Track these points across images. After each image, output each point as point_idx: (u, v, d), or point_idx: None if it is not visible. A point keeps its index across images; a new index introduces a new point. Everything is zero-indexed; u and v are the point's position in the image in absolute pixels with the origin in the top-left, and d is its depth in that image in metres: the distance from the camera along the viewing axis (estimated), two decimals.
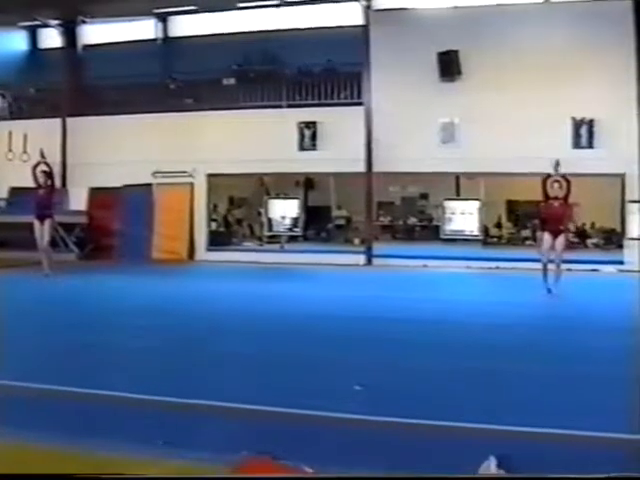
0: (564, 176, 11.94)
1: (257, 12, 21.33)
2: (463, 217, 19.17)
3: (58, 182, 18.84)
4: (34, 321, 9.02)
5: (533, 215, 20.42)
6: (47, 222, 14.18)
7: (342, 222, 23.17)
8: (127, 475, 3.76)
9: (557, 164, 11.94)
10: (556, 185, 11.84)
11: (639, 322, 7.80)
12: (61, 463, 4.06)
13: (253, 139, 17.93)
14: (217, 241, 19.61)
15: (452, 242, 19.56)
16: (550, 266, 11.65)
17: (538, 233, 12.17)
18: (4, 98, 20.83)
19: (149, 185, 18.83)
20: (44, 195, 14.36)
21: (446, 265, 16.65)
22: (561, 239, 11.70)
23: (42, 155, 14.81)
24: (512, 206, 23.28)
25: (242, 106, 18.57)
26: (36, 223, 14.13)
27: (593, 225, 21.50)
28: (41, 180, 14.39)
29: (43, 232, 14.11)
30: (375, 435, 4.67)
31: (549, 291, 11.38)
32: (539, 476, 3.93)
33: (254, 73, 20.08)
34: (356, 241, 20.39)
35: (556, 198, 11.85)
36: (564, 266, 14.77)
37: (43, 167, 14.60)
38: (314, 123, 18.05)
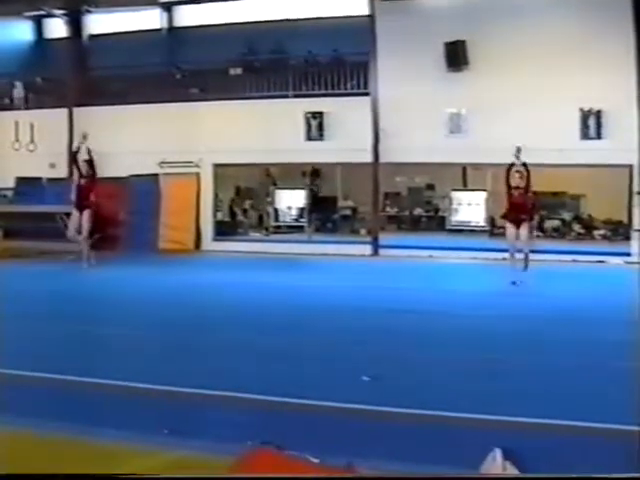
0: (524, 165, 11.91)
1: (263, 1, 21.28)
2: (469, 208, 19.13)
3: (65, 172, 18.97)
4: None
5: (540, 206, 20.36)
6: (86, 212, 13.97)
7: (348, 212, 23.13)
8: (143, 474, 3.77)
9: (518, 151, 11.90)
10: (517, 175, 11.87)
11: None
12: (66, 451, 4.07)
13: (259, 129, 17.89)
14: (223, 231, 19.62)
15: (458, 233, 19.53)
16: (518, 255, 11.73)
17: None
18: (15, 88, 20.80)
19: (155, 175, 18.83)
20: (85, 185, 14.04)
21: (452, 256, 16.62)
22: (523, 229, 11.73)
23: (84, 137, 14.25)
24: None
25: (248, 96, 18.53)
26: (75, 213, 13.92)
27: (600, 217, 21.38)
28: (83, 169, 14.08)
29: (82, 222, 13.88)
30: (381, 425, 4.67)
31: (513, 283, 11.34)
32: (540, 476, 3.93)
33: (260, 63, 20.06)
34: (362, 231, 20.38)
35: (517, 188, 11.88)
36: (570, 257, 14.77)
37: (84, 156, 14.14)
38: (321, 113, 17.99)
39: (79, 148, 14.35)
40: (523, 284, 11.30)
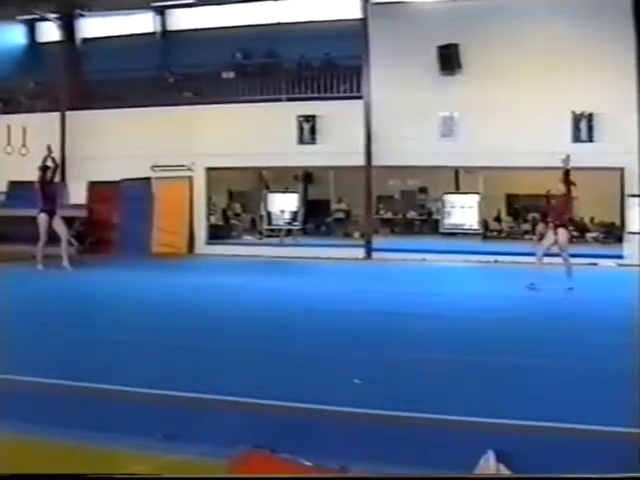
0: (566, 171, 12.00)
1: (256, 5, 21.30)
2: (462, 211, 19.17)
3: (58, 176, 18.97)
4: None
5: (532, 209, 20.47)
6: (57, 217, 14.15)
7: (341, 216, 23.17)
8: (138, 474, 3.76)
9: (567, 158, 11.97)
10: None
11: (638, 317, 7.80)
12: (61, 457, 4.06)
13: (252, 133, 17.89)
14: (216, 235, 19.61)
15: (451, 236, 19.57)
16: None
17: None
18: None
19: (148, 179, 18.81)
20: (51, 191, 14.29)
21: (445, 259, 16.65)
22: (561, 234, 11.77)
23: (50, 150, 14.62)
24: (512, 200, 23.30)
25: (241, 100, 18.53)
26: (44, 217, 14.02)
27: (593, 219, 21.49)
28: (49, 176, 14.32)
29: (56, 227, 14.03)
30: (373, 428, 4.68)
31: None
32: (539, 476, 3.94)
33: (253, 67, 20.08)
34: (355, 235, 20.42)
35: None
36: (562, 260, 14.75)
37: (50, 165, 14.48)
38: (313, 117, 18.01)
39: (46, 159, 14.45)
40: (516, 288, 11.34)
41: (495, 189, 20.14)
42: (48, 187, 14.28)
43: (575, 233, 20.43)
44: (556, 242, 11.77)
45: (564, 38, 15.97)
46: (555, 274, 11.63)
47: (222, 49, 19.53)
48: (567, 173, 11.95)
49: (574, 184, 11.99)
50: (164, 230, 18.62)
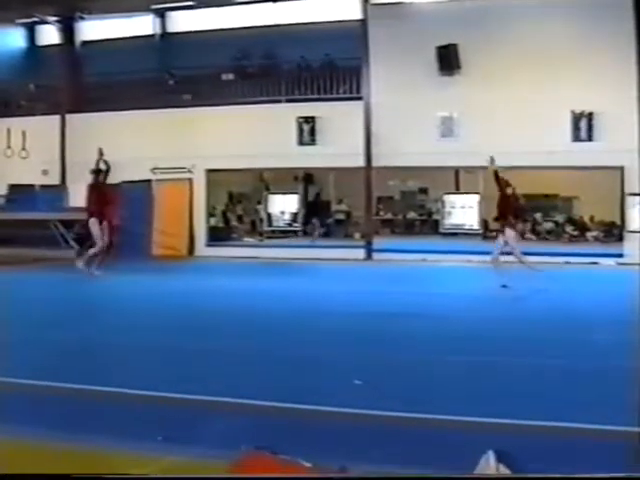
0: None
1: (255, 7, 21.31)
2: (463, 211, 19.16)
3: (58, 179, 19.02)
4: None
5: (532, 208, 20.43)
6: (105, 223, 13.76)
7: (342, 217, 23.15)
8: (129, 474, 3.76)
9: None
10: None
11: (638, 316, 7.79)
12: (59, 460, 4.06)
13: (252, 134, 17.90)
14: (217, 237, 19.60)
15: (452, 236, 19.55)
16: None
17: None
18: None
19: (148, 181, 18.82)
20: (105, 193, 13.96)
21: (446, 259, 16.64)
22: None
23: (101, 153, 14.30)
24: None
25: (241, 101, 18.55)
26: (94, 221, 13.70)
27: (593, 218, 21.46)
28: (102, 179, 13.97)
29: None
30: (373, 428, 4.68)
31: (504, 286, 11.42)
32: (539, 476, 3.93)
33: (253, 68, 20.08)
34: (356, 236, 20.39)
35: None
36: (564, 259, 14.80)
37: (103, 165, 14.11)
38: (313, 118, 18.02)
39: (98, 162, 14.23)
40: (515, 287, 11.32)
41: (495, 189, 20.05)
42: (100, 190, 13.97)
43: (575, 232, 20.49)
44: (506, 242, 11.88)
45: (563, 37, 15.99)
46: (553, 274, 11.62)
47: (222, 51, 19.53)
48: (496, 174, 12.16)
49: (508, 184, 12.17)
50: (164, 232, 18.63)
